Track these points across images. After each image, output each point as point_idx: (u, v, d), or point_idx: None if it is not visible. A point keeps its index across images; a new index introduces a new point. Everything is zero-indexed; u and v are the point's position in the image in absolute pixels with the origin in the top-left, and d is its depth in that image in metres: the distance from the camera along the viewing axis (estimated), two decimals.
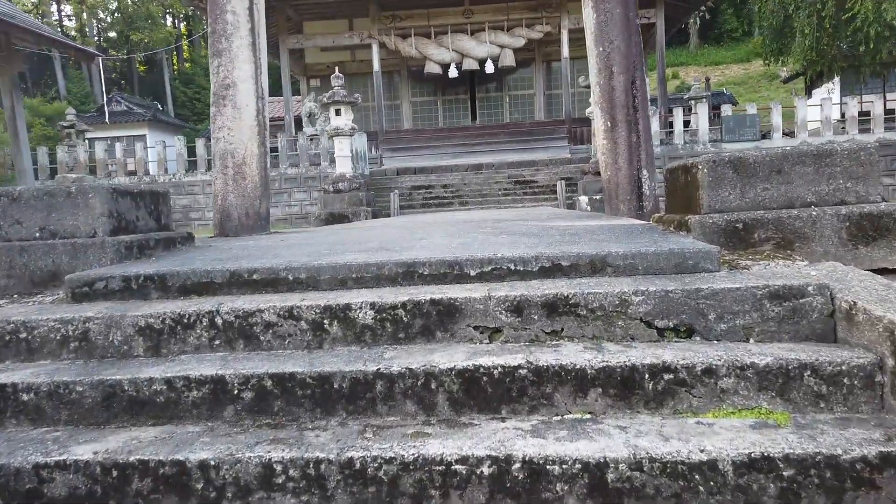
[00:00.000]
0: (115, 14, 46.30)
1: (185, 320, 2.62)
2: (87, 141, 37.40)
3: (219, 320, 2.61)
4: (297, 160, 16.22)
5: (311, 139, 17.06)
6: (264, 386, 2.28)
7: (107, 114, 32.42)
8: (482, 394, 2.21)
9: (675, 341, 2.41)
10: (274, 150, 16.89)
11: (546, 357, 2.24)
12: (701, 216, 3.29)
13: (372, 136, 20.92)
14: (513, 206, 15.26)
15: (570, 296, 2.50)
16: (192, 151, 17.06)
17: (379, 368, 2.25)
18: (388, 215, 14.74)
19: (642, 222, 4.51)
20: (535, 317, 2.52)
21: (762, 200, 3.25)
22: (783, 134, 16.58)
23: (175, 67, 49.93)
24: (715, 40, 45.25)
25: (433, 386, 2.22)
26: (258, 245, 4.38)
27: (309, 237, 5.02)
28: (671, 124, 18.01)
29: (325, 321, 2.60)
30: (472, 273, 2.89)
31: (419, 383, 2.22)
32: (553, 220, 5.54)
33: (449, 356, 2.32)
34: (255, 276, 2.99)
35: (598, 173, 14.49)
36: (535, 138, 20.34)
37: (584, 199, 13.16)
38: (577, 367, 2.18)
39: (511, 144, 20.23)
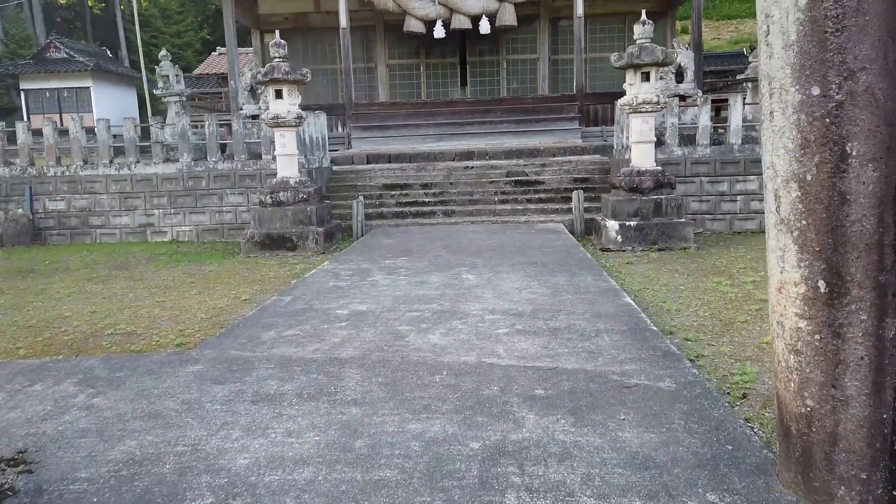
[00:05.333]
0: None
1: None
2: (21, 93, 32.82)
3: None
4: (231, 150, 12.29)
5: (253, 121, 13.22)
6: None
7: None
8: None
9: None
10: (199, 128, 13.00)
11: None
12: None
13: (338, 110, 17.01)
14: (512, 218, 11.73)
15: None
16: (137, 135, 12.93)
17: None
18: (351, 232, 11.14)
19: None
20: None
21: None
22: None
23: (132, 5, 44.50)
24: None
25: None
26: None
27: None
28: (719, 113, 14.28)
29: None
30: None
31: None
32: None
33: None
34: None
35: (634, 189, 10.57)
36: (539, 118, 16.55)
37: (612, 224, 9.64)
38: None
39: (509, 125, 16.45)
